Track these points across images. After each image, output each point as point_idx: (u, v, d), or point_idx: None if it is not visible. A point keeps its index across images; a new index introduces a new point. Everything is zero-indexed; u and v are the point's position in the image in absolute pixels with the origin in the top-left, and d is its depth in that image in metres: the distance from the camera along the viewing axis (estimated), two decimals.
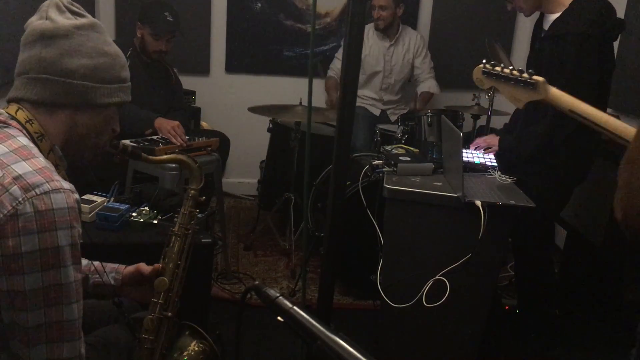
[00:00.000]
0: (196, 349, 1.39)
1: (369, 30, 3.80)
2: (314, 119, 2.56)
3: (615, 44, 2.27)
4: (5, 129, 1.09)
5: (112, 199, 2.12)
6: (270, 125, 3.49)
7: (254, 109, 3.16)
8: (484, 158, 2.42)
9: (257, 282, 0.97)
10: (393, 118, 3.81)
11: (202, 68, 4.17)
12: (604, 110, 2.01)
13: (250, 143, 4.03)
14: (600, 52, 2.12)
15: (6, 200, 0.97)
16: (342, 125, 1.23)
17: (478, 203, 1.88)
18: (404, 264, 2.04)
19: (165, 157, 1.47)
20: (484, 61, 1.53)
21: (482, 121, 3.48)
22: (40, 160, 1.05)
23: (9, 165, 1.01)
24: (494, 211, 1.89)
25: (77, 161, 1.23)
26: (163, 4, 3.04)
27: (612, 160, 2.69)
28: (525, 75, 1.42)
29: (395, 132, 2.99)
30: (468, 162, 2.33)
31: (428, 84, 3.93)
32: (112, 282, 1.44)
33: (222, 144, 3.18)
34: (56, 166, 1.11)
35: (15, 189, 0.98)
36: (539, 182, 2.26)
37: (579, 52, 2.08)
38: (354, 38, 1.17)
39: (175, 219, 1.47)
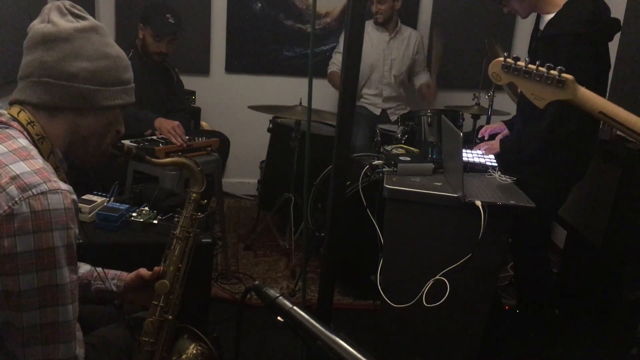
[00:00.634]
0: (194, 351, 1.39)
1: (368, 25, 3.81)
2: (314, 119, 2.56)
3: (615, 44, 2.27)
4: (6, 130, 1.09)
5: (112, 199, 2.12)
6: (270, 125, 3.49)
7: (254, 108, 3.16)
8: (484, 158, 2.42)
9: (257, 282, 0.97)
10: (393, 118, 3.81)
11: (202, 68, 4.17)
12: None
13: (250, 143, 4.04)
14: (594, 52, 2.12)
15: (2, 200, 0.97)
16: (342, 125, 1.23)
17: (478, 203, 1.88)
18: (404, 264, 2.03)
19: (169, 160, 1.47)
20: (505, 53, 1.44)
21: (482, 121, 3.48)
22: (39, 161, 1.05)
23: (7, 165, 1.01)
24: (494, 211, 1.89)
25: (82, 164, 1.23)
26: (164, 6, 3.04)
27: (612, 160, 2.69)
28: (553, 72, 1.31)
29: (395, 132, 2.99)
30: (468, 162, 2.33)
31: (425, 76, 4.03)
32: (114, 289, 1.44)
33: (222, 144, 3.18)
34: (56, 169, 1.11)
35: (12, 189, 0.98)
36: (536, 181, 2.26)
37: (571, 53, 2.08)
38: (354, 38, 1.17)
39: (176, 220, 1.47)
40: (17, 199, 0.97)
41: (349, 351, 0.79)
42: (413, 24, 4.16)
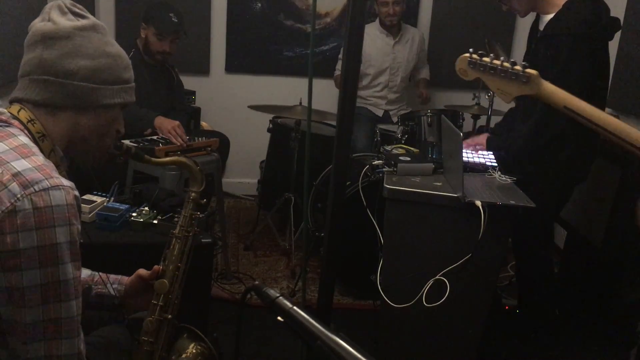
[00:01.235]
0: (194, 351, 1.39)
1: (374, 29, 3.81)
2: (314, 119, 2.56)
3: (615, 44, 2.27)
4: (6, 128, 1.09)
5: (112, 199, 2.12)
6: (270, 126, 3.49)
7: (254, 107, 3.16)
8: (484, 158, 2.42)
9: (257, 282, 0.97)
10: (395, 119, 3.81)
11: (202, 68, 4.16)
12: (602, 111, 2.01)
13: (250, 143, 4.03)
14: (594, 52, 2.13)
15: (5, 197, 0.97)
16: (342, 125, 1.23)
17: (478, 203, 1.88)
18: (404, 264, 2.04)
19: (168, 159, 1.47)
20: (470, 50, 1.46)
21: (482, 121, 3.48)
22: (40, 158, 1.05)
23: (8, 162, 1.01)
24: (494, 211, 1.89)
25: (82, 163, 1.23)
26: (167, 5, 3.04)
27: (612, 160, 2.69)
28: (517, 67, 1.33)
29: (395, 132, 2.99)
30: (468, 162, 2.33)
31: (425, 71, 4.06)
32: (115, 293, 1.44)
33: (222, 144, 3.18)
34: (57, 166, 1.11)
35: (14, 186, 0.98)
36: (538, 182, 2.26)
37: (571, 52, 2.08)
38: (354, 38, 1.17)
39: (176, 220, 1.47)
40: (19, 196, 0.97)
41: (349, 351, 0.79)
42: (413, 24, 4.16)
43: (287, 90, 3.97)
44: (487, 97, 3.25)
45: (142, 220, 1.98)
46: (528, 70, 1.34)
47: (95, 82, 1.15)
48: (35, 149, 1.08)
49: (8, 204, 0.97)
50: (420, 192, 2.00)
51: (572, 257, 3.08)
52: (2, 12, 2.59)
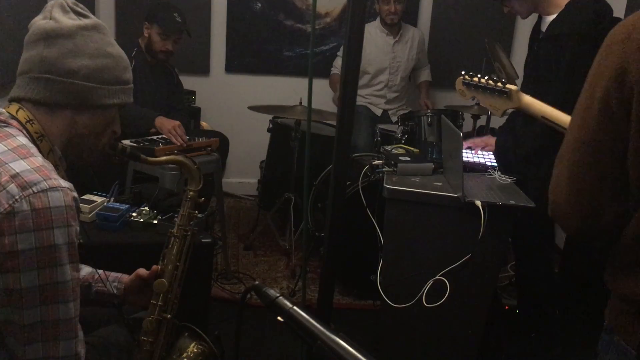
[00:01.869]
0: (195, 350, 1.39)
1: (374, 28, 3.81)
2: (314, 119, 2.56)
3: None
4: (5, 128, 1.09)
5: (112, 199, 2.12)
6: (270, 125, 3.49)
7: (254, 108, 3.16)
8: (484, 158, 2.42)
9: (257, 282, 0.97)
10: (394, 119, 3.81)
11: (202, 68, 4.17)
12: None
13: (250, 143, 4.04)
14: (597, 52, 2.12)
15: (3, 198, 0.97)
16: (342, 125, 1.23)
17: (478, 203, 1.88)
18: (404, 264, 2.03)
19: (164, 158, 1.45)
20: (462, 72, 1.54)
21: (482, 121, 3.48)
22: (39, 159, 1.05)
23: (6, 164, 1.01)
24: (494, 211, 1.89)
25: (76, 162, 1.23)
26: (171, 5, 3.06)
27: None
28: (499, 84, 1.43)
29: (395, 132, 2.99)
30: (468, 162, 2.33)
31: (426, 73, 4.07)
32: (115, 291, 1.44)
33: (222, 144, 3.18)
34: (56, 167, 1.11)
35: (12, 187, 0.98)
36: (539, 183, 2.26)
37: (575, 53, 2.08)
38: (354, 38, 1.17)
39: (175, 219, 1.47)
40: (17, 197, 0.97)
41: (349, 351, 0.79)
42: (413, 24, 4.16)
43: (287, 90, 3.97)
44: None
45: (142, 220, 1.98)
46: (508, 85, 1.42)
47: (95, 81, 1.15)
48: (33, 149, 1.08)
49: (6, 206, 0.97)
50: (420, 192, 2.00)
51: (572, 257, 3.08)
52: (1, 12, 2.59)
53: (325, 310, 1.34)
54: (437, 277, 1.94)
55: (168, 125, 2.76)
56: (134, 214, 2.00)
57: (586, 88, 0.99)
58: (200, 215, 2.04)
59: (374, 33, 3.80)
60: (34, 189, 0.99)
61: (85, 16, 1.18)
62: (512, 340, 2.53)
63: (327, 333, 0.82)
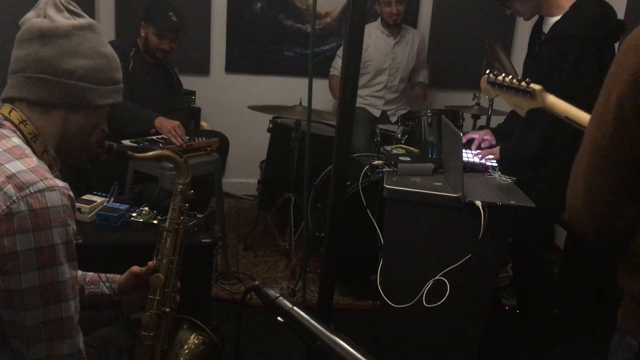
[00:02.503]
0: (196, 341, 1.40)
1: (374, 29, 3.81)
2: (314, 119, 2.56)
3: (615, 45, 2.26)
4: None
5: (112, 199, 2.12)
6: (270, 125, 3.49)
7: (254, 108, 3.16)
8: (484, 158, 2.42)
9: (257, 283, 0.97)
10: (393, 119, 3.81)
11: (202, 68, 4.16)
12: None
13: (250, 143, 4.03)
14: (601, 54, 2.12)
15: (0, 199, 0.97)
16: (342, 125, 1.23)
17: (478, 203, 1.88)
18: (404, 264, 2.03)
19: (151, 153, 1.41)
20: (487, 71, 1.54)
21: (482, 121, 3.48)
22: (34, 160, 1.05)
23: (2, 165, 1.01)
24: (494, 211, 1.89)
25: (65, 161, 1.23)
26: (167, 4, 3.05)
27: None
28: (523, 83, 1.43)
29: (395, 132, 2.99)
30: (468, 162, 2.33)
31: (424, 74, 4.05)
32: (108, 292, 1.43)
33: (222, 144, 3.18)
34: (50, 167, 1.11)
35: (9, 188, 0.98)
36: (540, 184, 2.25)
37: (578, 55, 2.07)
38: (354, 38, 1.17)
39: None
40: (14, 198, 0.97)
41: (349, 351, 0.79)
42: (413, 24, 4.16)
43: (287, 90, 3.97)
44: (487, 97, 3.24)
45: (142, 220, 1.98)
46: (532, 85, 1.41)
47: (91, 82, 1.15)
48: (28, 150, 1.08)
49: (4, 207, 0.97)
50: (420, 192, 2.00)
51: (572, 257, 3.08)
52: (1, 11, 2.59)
53: (325, 310, 1.34)
54: (437, 277, 1.94)
55: (168, 126, 2.76)
56: (134, 214, 2.00)
57: (603, 92, 0.98)
58: (200, 215, 2.04)
59: (373, 34, 3.79)
60: (31, 189, 0.99)
61: (79, 15, 1.17)
62: (512, 340, 2.53)
63: (327, 333, 0.82)
